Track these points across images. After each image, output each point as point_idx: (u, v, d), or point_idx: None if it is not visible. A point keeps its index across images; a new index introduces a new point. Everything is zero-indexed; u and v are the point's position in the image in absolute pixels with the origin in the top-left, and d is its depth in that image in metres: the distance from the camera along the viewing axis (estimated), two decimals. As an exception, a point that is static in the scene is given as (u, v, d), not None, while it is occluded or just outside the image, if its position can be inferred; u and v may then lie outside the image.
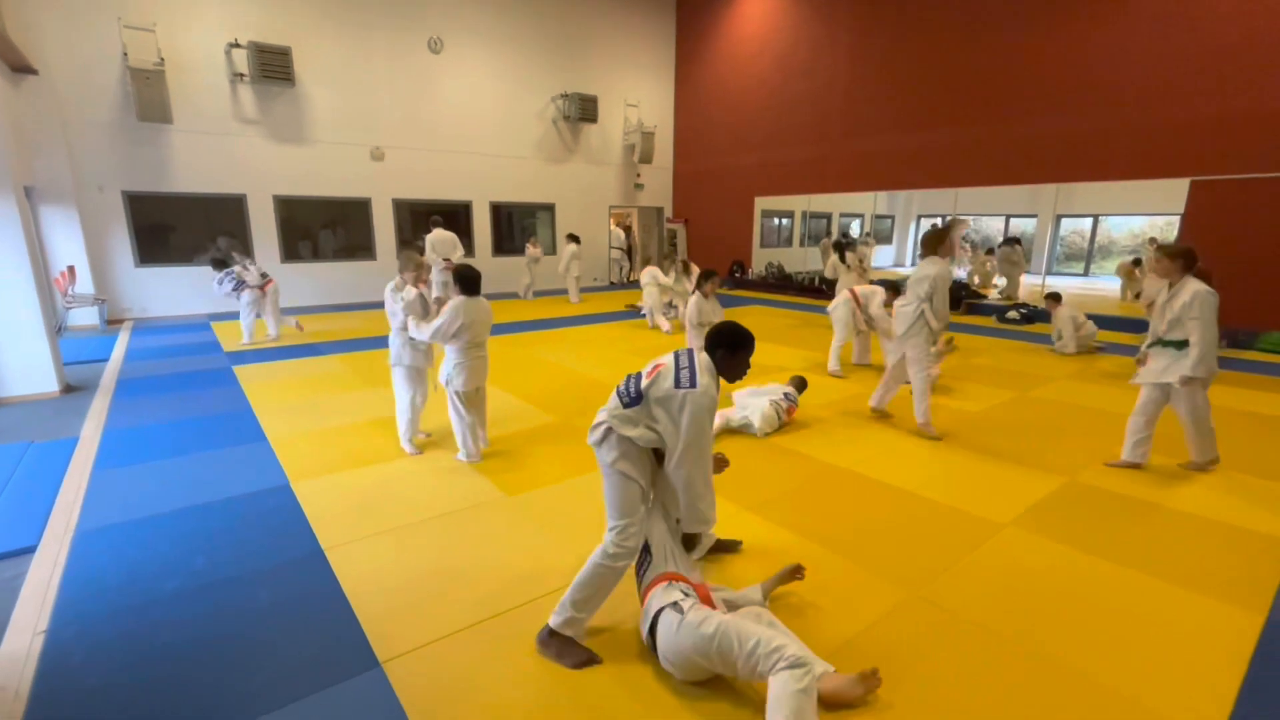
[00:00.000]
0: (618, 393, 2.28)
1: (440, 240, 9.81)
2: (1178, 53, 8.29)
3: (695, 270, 9.12)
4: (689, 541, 2.59)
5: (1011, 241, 11.35)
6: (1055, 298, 7.85)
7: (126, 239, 9.65)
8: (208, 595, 2.66)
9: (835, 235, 13.27)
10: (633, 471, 2.23)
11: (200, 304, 10.21)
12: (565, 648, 2.24)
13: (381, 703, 2.05)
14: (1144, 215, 10.23)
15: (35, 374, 5.58)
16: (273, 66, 10.00)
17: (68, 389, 5.80)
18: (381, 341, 4.39)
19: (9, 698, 2.07)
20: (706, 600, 2.19)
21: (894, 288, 6.12)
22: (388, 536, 3.16)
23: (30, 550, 3.02)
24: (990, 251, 11.78)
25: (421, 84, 11.83)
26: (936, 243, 4.51)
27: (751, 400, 4.80)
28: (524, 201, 13.64)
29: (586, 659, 2.22)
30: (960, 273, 12.03)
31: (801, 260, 14.35)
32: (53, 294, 7.93)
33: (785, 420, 4.81)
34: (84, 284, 9.15)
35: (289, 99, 10.55)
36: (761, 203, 14.22)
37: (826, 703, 1.95)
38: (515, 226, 13.87)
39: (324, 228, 11.54)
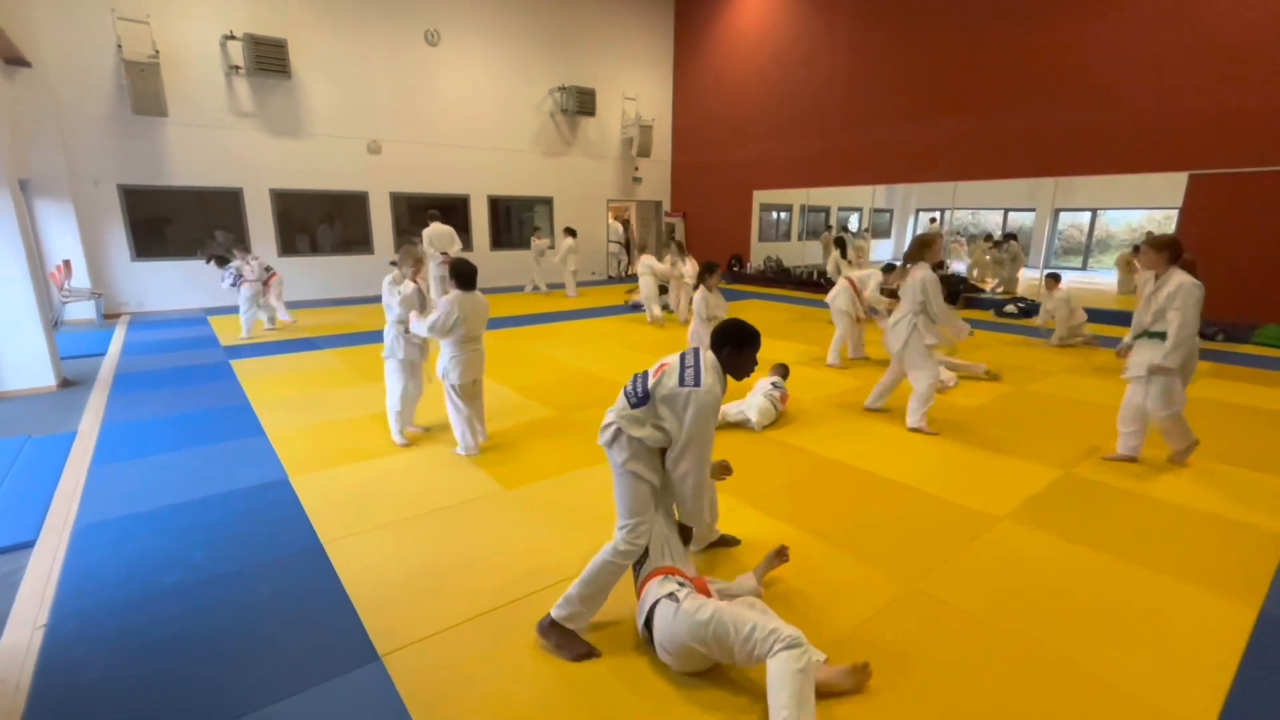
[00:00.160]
0: (625, 393, 2.28)
1: (438, 234, 9.76)
2: (1176, 47, 8.27)
3: (691, 259, 9.16)
4: (686, 534, 2.60)
5: (1004, 240, 11.32)
6: (1055, 278, 7.77)
7: (122, 233, 9.62)
8: (207, 589, 2.66)
9: (836, 230, 13.24)
10: (644, 471, 2.24)
11: (197, 298, 10.20)
12: (565, 640, 2.25)
13: (381, 696, 2.06)
14: (1142, 209, 10.24)
15: (32, 368, 5.58)
16: (268, 59, 9.92)
17: (65, 383, 5.80)
18: (380, 336, 4.39)
19: (9, 691, 2.08)
20: (703, 591, 2.21)
21: (889, 269, 6.17)
22: (386, 530, 3.17)
23: (29, 545, 3.03)
24: (989, 238, 11.75)
25: (419, 77, 11.76)
26: (924, 248, 4.53)
27: (747, 397, 4.82)
28: (522, 195, 13.60)
29: (586, 652, 2.23)
30: (959, 266, 12.04)
31: (800, 254, 14.33)
32: (49, 288, 7.91)
33: (781, 410, 4.83)
34: (80, 278, 9.11)
35: (285, 92, 10.48)
36: (760, 196, 14.19)
37: (818, 692, 1.95)
38: (514, 220, 13.83)
39: (321, 221, 11.49)
